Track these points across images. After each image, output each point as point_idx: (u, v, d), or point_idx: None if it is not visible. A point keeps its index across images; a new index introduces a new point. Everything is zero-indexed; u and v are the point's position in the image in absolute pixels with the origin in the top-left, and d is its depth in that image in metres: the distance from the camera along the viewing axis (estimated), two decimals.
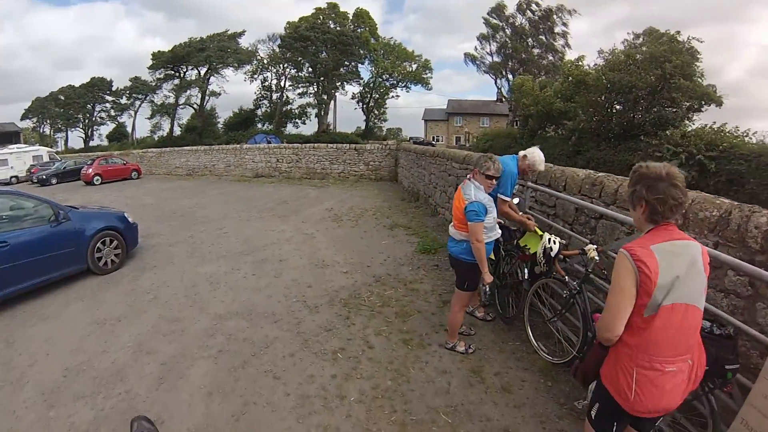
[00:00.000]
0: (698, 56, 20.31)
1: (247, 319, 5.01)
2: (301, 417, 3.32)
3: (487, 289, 3.91)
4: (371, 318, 5.03)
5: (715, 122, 18.23)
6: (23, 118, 58.63)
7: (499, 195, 4.43)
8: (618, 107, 22.35)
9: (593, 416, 2.15)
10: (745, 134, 17.07)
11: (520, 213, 4.76)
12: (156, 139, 55.16)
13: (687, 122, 20.83)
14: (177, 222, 10.96)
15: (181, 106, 55.17)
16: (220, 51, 50.92)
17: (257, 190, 17.21)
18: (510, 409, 3.42)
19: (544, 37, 45.57)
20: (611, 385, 2.01)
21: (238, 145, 25.56)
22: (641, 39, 25.15)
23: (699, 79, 20.25)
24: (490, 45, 47.74)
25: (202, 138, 47.06)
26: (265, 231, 9.52)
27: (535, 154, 4.62)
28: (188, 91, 54.42)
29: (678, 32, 20.99)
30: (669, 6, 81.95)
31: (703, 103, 20.55)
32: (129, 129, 60.28)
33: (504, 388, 3.68)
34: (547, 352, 4.12)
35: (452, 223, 4.05)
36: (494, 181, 3.83)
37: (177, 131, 55.26)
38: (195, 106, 55.07)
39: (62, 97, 57.51)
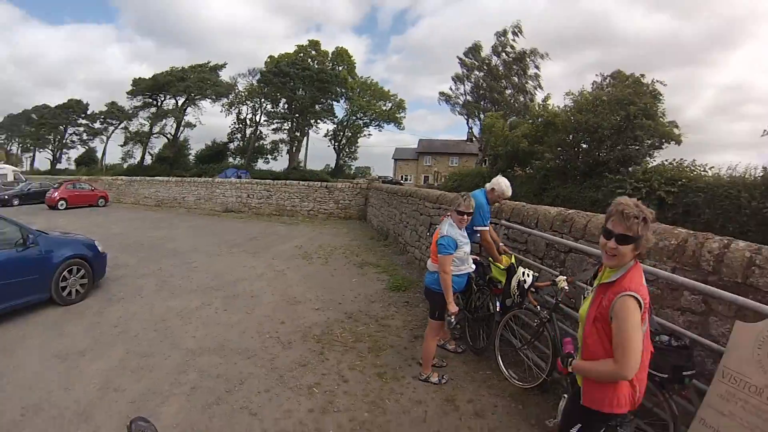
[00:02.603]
0: (660, 97, 21.32)
1: (221, 355, 4.92)
2: None
3: (452, 319, 4.03)
4: (345, 353, 5.04)
5: (675, 159, 19.06)
6: None
7: (476, 228, 4.81)
8: (584, 146, 23.02)
9: None
10: (702, 168, 17.84)
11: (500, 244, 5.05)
12: (126, 167, 54.46)
13: (648, 159, 21.66)
14: (145, 253, 10.74)
15: (155, 135, 54.82)
16: (200, 82, 50.91)
17: (227, 225, 17.09)
18: None
19: (516, 79, 46.29)
20: (616, 406, 2.08)
21: (210, 179, 25.40)
22: (608, 80, 26.34)
23: (661, 119, 21.23)
24: (464, 85, 48.19)
25: (173, 168, 46.74)
26: (236, 266, 9.46)
27: (500, 183, 5.07)
28: (164, 121, 54.23)
29: (642, 75, 22.07)
30: (636, 51, 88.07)
31: (664, 141, 21.47)
32: (99, 154, 59.61)
33: (477, 413, 3.80)
34: (518, 379, 4.32)
35: (430, 257, 4.31)
36: (466, 216, 4.13)
37: (148, 160, 54.72)
38: (169, 135, 54.75)
39: (35, 116, 56.83)
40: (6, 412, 3.97)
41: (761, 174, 15.57)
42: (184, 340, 5.33)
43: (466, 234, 4.25)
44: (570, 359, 2.29)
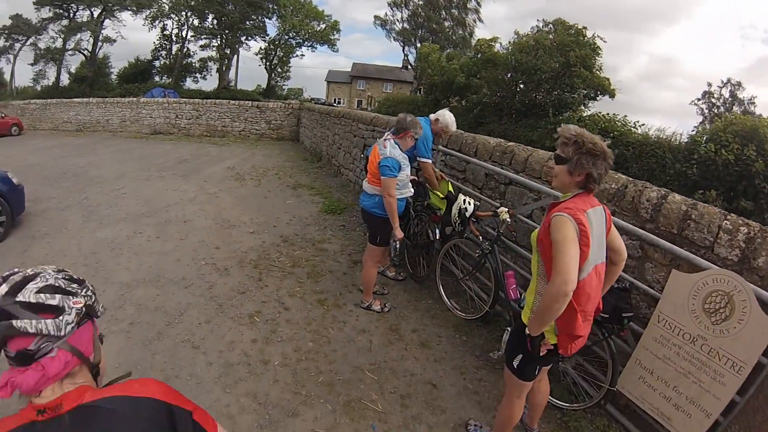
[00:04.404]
0: (599, 52, 21.79)
1: (157, 286, 4.73)
2: (228, 386, 3.21)
3: (397, 245, 4.02)
4: (283, 279, 5.00)
5: (608, 113, 19.72)
6: None
7: (421, 160, 4.66)
8: (522, 86, 23.39)
9: (516, 365, 2.30)
10: (633, 125, 18.64)
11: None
12: (39, 89, 48.16)
13: (583, 108, 22.43)
14: (68, 183, 9.98)
15: (69, 52, 48.01)
16: None
17: (155, 147, 16.18)
18: (431, 363, 3.60)
19: (456, 12, 45.62)
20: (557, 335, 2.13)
21: (135, 99, 23.54)
22: (549, 27, 26.49)
23: (597, 72, 21.82)
24: (402, 12, 46.95)
25: (93, 89, 42.35)
26: (166, 191, 9.07)
27: (446, 116, 4.87)
28: (78, 35, 47.28)
29: (585, 27, 22.29)
30: (581, 7, 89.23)
31: (599, 92, 22.18)
32: (7, 76, 52.08)
33: (422, 344, 3.86)
34: (460, 309, 4.39)
35: (366, 178, 4.13)
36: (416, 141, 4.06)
37: (64, 81, 48.80)
38: (86, 52, 48.38)
39: None
40: None
41: (686, 140, 16.65)
42: (118, 273, 5.05)
43: (406, 156, 4.06)
44: (540, 339, 2.21)
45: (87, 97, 29.08)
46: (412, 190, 4.33)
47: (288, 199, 8.48)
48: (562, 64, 20.98)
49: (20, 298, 0.97)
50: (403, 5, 46.43)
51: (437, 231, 4.55)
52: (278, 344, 3.74)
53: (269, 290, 4.71)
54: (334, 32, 55.61)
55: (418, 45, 42.84)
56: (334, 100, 59.58)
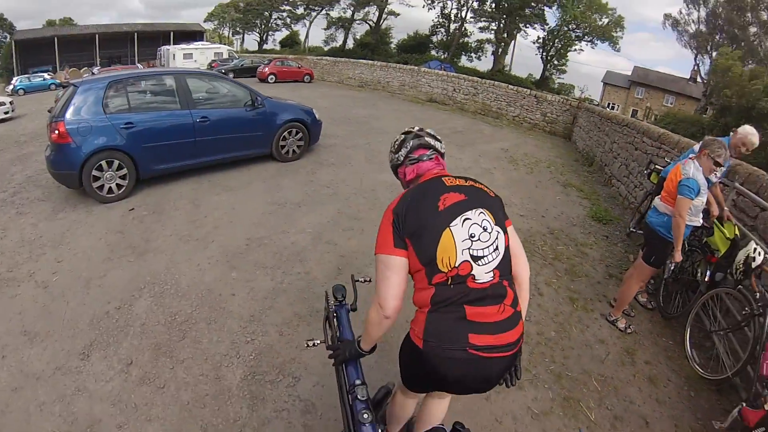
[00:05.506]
0: None
1: None
2: None
3: (672, 267, 3.92)
4: (543, 267, 5.16)
5: None
6: (206, 20, 64.20)
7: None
8: None
9: None
10: None
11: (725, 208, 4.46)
12: (326, 49, 58.03)
13: None
14: (353, 128, 11.48)
15: (357, 22, 57.41)
16: None
17: (431, 114, 17.12)
18: (651, 401, 3.44)
19: (767, 15, 37.13)
20: None
21: (416, 67, 25.38)
22: None
23: None
24: (698, 11, 40.13)
25: (374, 55, 47.84)
26: None
27: (746, 127, 4.40)
28: (366, 8, 55.95)
29: None
30: None
31: None
32: (302, 37, 63.72)
33: (651, 379, 3.69)
34: (698, 364, 3.86)
35: (659, 195, 3.99)
36: (718, 169, 3.75)
37: (350, 44, 57.64)
38: (371, 23, 56.81)
39: (242, 4, 62.09)
40: (234, 239, 4.90)
41: None
42: None
43: (707, 184, 3.77)
44: None
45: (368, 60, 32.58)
46: (701, 221, 4.02)
47: (557, 194, 8.29)
48: None
49: (426, 131, 2.10)
50: (701, 2, 39.80)
51: (707, 273, 4.15)
52: (525, 322, 3.91)
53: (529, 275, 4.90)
54: (618, 29, 50.66)
55: (714, 54, 36.68)
56: (608, 104, 53.77)
